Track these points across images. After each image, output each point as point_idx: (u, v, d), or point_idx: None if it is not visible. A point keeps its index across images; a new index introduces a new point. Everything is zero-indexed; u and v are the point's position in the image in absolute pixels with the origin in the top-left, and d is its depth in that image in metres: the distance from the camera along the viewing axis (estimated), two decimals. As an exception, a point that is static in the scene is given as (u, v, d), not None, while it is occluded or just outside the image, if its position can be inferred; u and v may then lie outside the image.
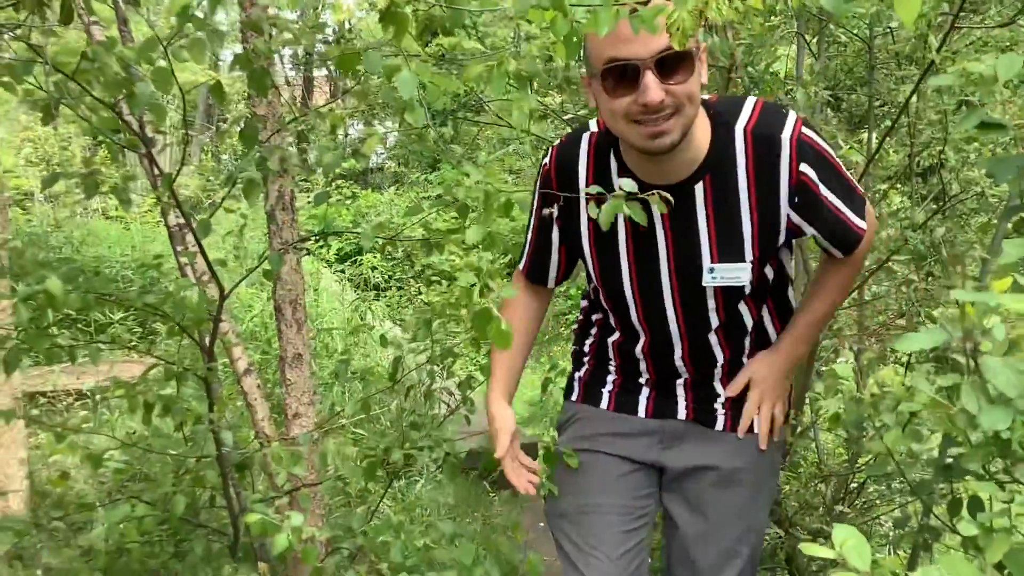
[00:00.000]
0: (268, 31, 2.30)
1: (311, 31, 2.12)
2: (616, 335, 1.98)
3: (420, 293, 10.09)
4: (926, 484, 1.68)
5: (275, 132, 2.26)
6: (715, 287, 1.80)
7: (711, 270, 1.78)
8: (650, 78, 1.56)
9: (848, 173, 1.82)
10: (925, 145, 2.25)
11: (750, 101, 1.76)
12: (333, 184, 12.51)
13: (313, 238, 3.39)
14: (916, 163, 2.38)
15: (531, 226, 2.03)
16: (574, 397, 2.09)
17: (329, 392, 4.80)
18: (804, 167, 1.71)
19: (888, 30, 2.87)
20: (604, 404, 2.03)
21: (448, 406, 3.33)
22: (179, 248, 2.79)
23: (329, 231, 9.52)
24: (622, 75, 1.58)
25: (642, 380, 1.98)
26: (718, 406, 1.95)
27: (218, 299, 2.22)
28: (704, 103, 1.74)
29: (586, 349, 2.08)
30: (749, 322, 1.89)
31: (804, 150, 1.71)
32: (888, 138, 2.26)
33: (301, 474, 2.42)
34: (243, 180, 2.04)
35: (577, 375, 2.10)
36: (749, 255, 1.78)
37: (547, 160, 1.93)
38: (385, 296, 9.69)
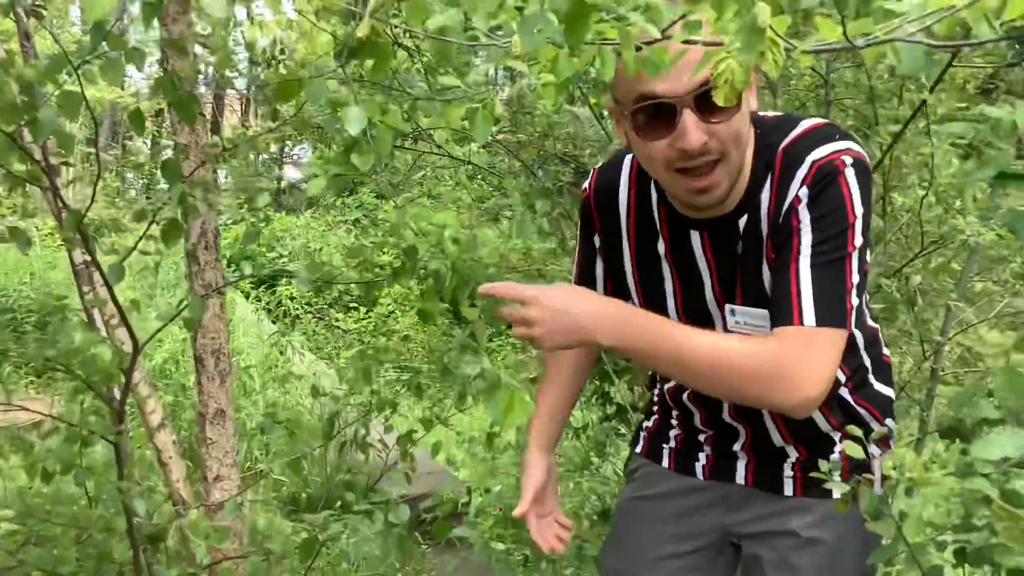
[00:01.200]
0: (192, 51, 2.06)
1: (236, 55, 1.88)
2: (670, 381, 1.75)
3: (338, 321, 9.78)
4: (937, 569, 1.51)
5: (200, 164, 2.01)
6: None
7: (732, 312, 1.53)
8: (689, 118, 1.32)
9: (854, 267, 1.37)
10: (907, 188, 2.13)
11: (807, 121, 1.46)
12: (244, 207, 12.01)
13: (240, 279, 3.11)
14: (890, 207, 2.26)
15: (576, 257, 1.79)
16: (639, 449, 1.87)
17: (246, 439, 4.49)
18: (802, 192, 1.38)
19: (849, 62, 2.75)
20: (665, 462, 1.80)
21: (382, 458, 3.09)
22: (86, 288, 2.50)
23: (260, 270, 9.15)
24: (655, 114, 1.34)
25: (702, 437, 1.74)
26: (787, 467, 1.63)
27: (131, 352, 1.95)
28: (757, 121, 1.48)
29: (654, 398, 1.85)
30: None
31: (820, 175, 1.37)
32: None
33: (223, 547, 2.16)
34: (162, 221, 1.79)
35: (645, 424, 1.88)
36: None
37: (587, 184, 1.70)
38: (301, 323, 9.34)
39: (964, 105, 1.99)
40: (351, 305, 10.18)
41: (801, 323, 1.33)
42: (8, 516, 2.11)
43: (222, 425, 2.31)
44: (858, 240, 1.35)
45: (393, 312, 10.33)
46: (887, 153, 1.97)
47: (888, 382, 1.67)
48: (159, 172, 2.02)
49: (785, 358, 1.33)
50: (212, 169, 2.28)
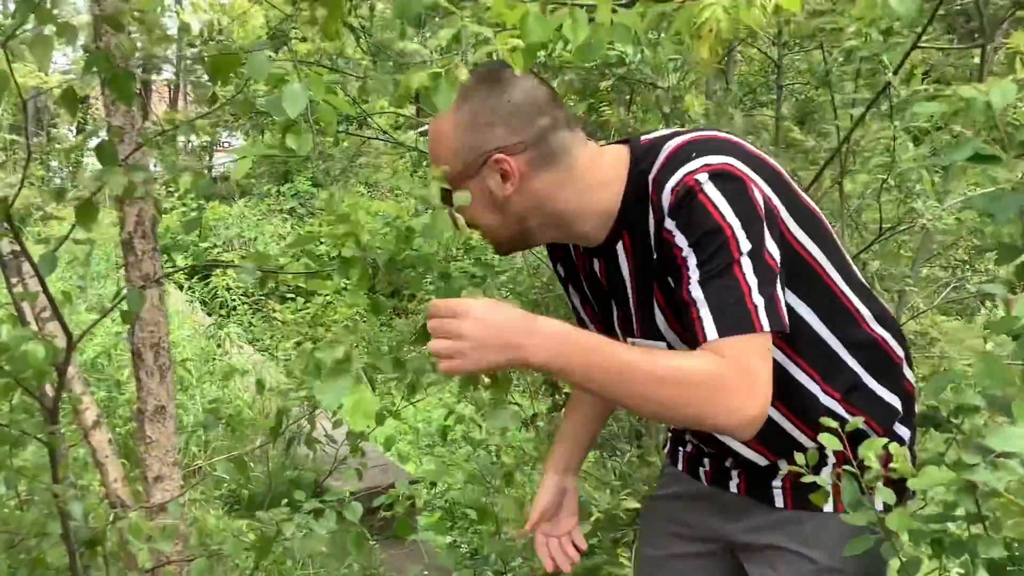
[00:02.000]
0: (128, 27, 1.94)
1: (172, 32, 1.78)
2: None
3: (276, 312, 9.57)
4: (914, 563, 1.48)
5: (137, 148, 1.90)
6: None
7: (633, 344, 1.52)
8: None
9: (747, 270, 1.32)
10: (868, 173, 2.11)
11: (671, 144, 1.43)
12: (174, 195, 11.83)
13: (177, 271, 2.99)
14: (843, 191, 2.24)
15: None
16: (665, 449, 1.89)
17: (184, 435, 4.34)
18: (669, 223, 1.36)
19: (799, 47, 2.73)
20: (680, 465, 1.79)
21: (329, 453, 3.00)
22: (14, 280, 2.36)
23: (198, 259, 8.91)
24: None
25: (703, 445, 1.70)
26: (776, 480, 1.57)
27: (64, 347, 1.83)
28: (632, 145, 1.49)
29: None
30: None
31: (679, 200, 1.34)
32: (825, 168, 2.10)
33: (166, 550, 2.05)
34: (75, 200, 1.67)
35: (671, 426, 1.87)
36: (664, 327, 1.49)
37: None
38: (237, 314, 9.11)
39: (923, 88, 1.98)
40: (288, 296, 9.98)
41: (706, 340, 1.29)
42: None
43: (162, 423, 2.20)
44: (744, 245, 1.31)
45: (331, 303, 10.16)
46: (847, 138, 1.94)
47: (895, 386, 1.57)
48: (85, 159, 1.91)
49: (706, 378, 1.28)
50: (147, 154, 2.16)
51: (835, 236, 1.55)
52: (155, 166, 1.93)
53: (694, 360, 1.30)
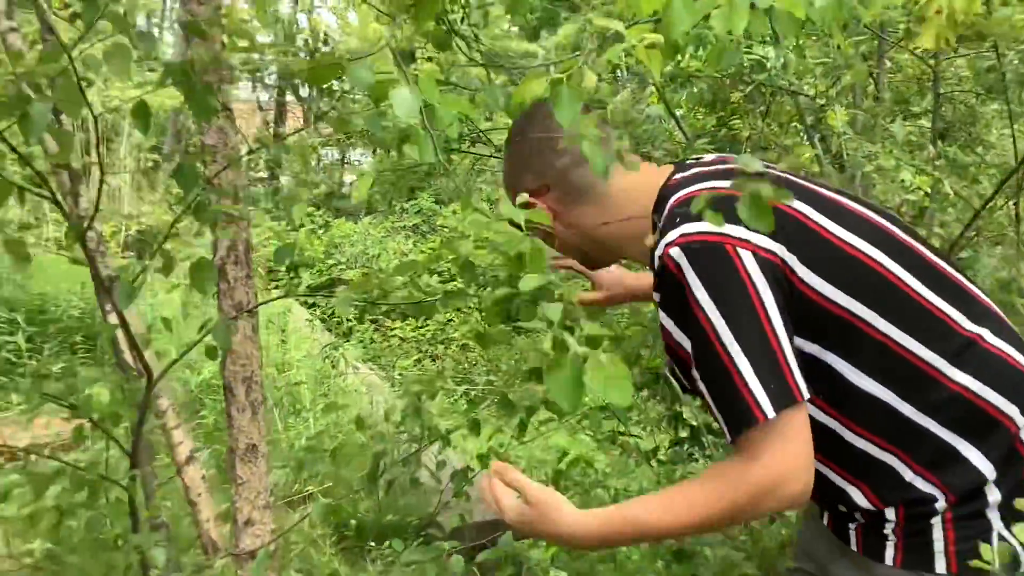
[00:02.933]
0: (220, 37, 1.80)
1: (283, 43, 1.62)
2: None
3: (395, 330, 9.53)
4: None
5: (224, 167, 1.74)
6: None
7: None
8: None
9: (739, 363, 1.26)
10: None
11: (676, 195, 1.40)
12: (315, 211, 12.01)
13: (276, 299, 2.87)
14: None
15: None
16: None
17: (296, 459, 4.23)
18: (655, 295, 1.40)
19: (958, 50, 2.40)
20: None
21: (435, 488, 2.82)
22: (107, 308, 2.26)
23: (317, 278, 8.94)
24: None
25: None
26: (851, 524, 1.45)
27: (145, 386, 1.69)
28: (668, 179, 1.47)
29: None
30: None
31: (658, 277, 1.36)
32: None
33: (253, 604, 1.88)
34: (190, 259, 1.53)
35: None
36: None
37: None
38: (358, 332, 9.09)
39: None
40: (408, 313, 9.92)
41: (730, 438, 1.29)
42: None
43: (254, 462, 2.05)
44: (726, 338, 1.26)
45: (451, 320, 10.07)
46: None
47: (987, 444, 1.35)
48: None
49: (739, 491, 1.27)
50: (251, 180, 2.02)
51: (902, 279, 1.36)
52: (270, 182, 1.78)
53: (721, 479, 1.29)
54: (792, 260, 1.30)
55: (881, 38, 2.71)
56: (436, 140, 1.21)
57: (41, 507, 1.74)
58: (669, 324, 1.36)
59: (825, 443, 1.36)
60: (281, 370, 5.31)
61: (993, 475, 1.34)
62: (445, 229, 11.83)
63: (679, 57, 2.76)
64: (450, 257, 1.96)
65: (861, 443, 1.37)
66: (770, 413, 1.24)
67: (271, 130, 12.63)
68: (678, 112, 3.60)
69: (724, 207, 1.22)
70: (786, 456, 1.26)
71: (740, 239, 1.27)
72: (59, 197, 1.59)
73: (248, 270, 2.01)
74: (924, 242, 1.45)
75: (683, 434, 3.73)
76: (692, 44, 1.74)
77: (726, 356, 1.25)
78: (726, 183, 1.32)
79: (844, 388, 1.35)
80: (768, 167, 1.38)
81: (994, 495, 1.34)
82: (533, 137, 1.50)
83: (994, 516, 1.33)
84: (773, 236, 1.28)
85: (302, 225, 10.47)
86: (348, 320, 8.86)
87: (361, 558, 3.81)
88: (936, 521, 1.33)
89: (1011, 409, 1.35)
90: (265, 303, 1.57)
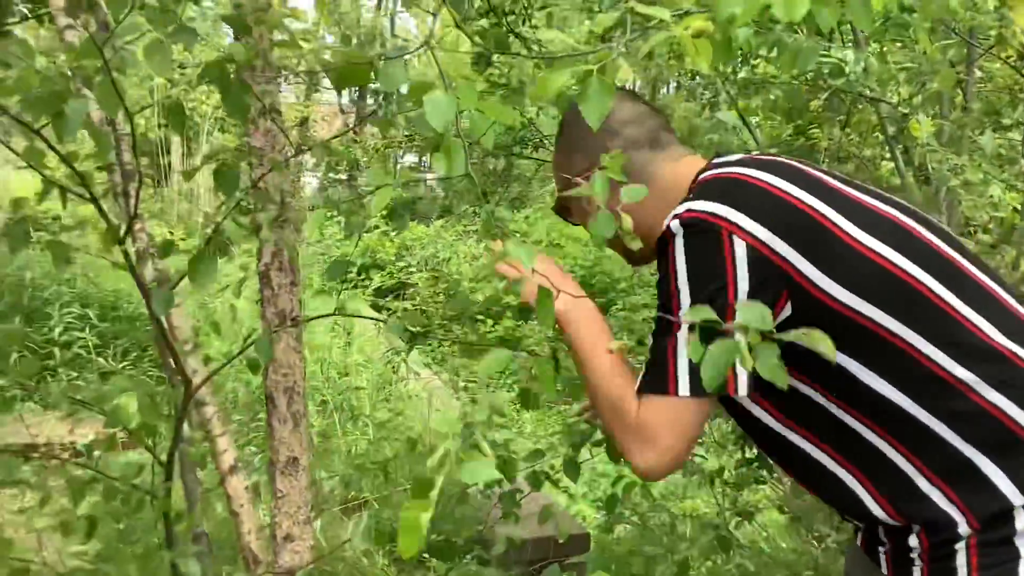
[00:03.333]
0: (267, 33, 1.74)
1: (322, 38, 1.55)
2: None
3: (462, 329, 9.48)
4: None
5: (269, 171, 1.68)
6: None
7: None
8: None
9: (680, 337, 1.28)
10: None
11: (705, 174, 1.43)
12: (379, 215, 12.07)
13: (322, 317, 2.81)
14: None
15: None
16: None
17: (351, 466, 4.18)
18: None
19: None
20: None
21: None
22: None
23: (386, 280, 8.92)
24: None
25: None
26: (881, 547, 1.41)
27: (183, 395, 1.63)
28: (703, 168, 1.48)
29: None
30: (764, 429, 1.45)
31: (660, 242, 1.35)
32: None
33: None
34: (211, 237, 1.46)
35: None
36: None
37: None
38: (428, 337, 9.05)
39: None
40: (478, 317, 9.89)
41: (636, 389, 1.34)
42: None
43: (295, 476, 1.98)
44: (685, 306, 1.27)
45: (520, 324, 9.99)
46: None
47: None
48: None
49: (621, 421, 1.35)
50: (295, 181, 1.95)
51: (926, 285, 1.31)
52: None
53: (626, 401, 1.34)
54: (798, 260, 1.27)
55: (971, 44, 2.54)
56: (470, 149, 1.13)
57: (73, 515, 1.70)
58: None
59: (842, 441, 1.35)
60: (343, 374, 5.28)
61: (1020, 500, 1.27)
62: (516, 234, 11.78)
63: (748, 59, 2.62)
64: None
65: (876, 440, 1.33)
66: (682, 392, 1.27)
67: (350, 133, 12.71)
68: (753, 120, 3.45)
69: (736, 192, 1.31)
70: (660, 438, 1.30)
71: (739, 226, 1.26)
72: (97, 197, 1.54)
73: (293, 277, 1.94)
74: (962, 250, 1.39)
75: (750, 455, 3.58)
76: (764, 47, 1.62)
77: (675, 325, 1.28)
78: (754, 171, 1.36)
79: (856, 388, 1.32)
80: (786, 160, 1.43)
81: (1023, 522, 1.27)
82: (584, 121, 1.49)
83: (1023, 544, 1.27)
84: (781, 234, 1.27)
85: (369, 230, 10.51)
86: (413, 332, 8.84)
87: (417, 569, 3.74)
88: (960, 547, 1.28)
89: None
90: (312, 318, 1.49)
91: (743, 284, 1.25)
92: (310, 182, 16.22)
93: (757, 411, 1.42)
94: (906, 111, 1.96)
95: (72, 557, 2.35)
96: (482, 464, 1.23)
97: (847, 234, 1.30)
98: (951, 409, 1.28)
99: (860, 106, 2.37)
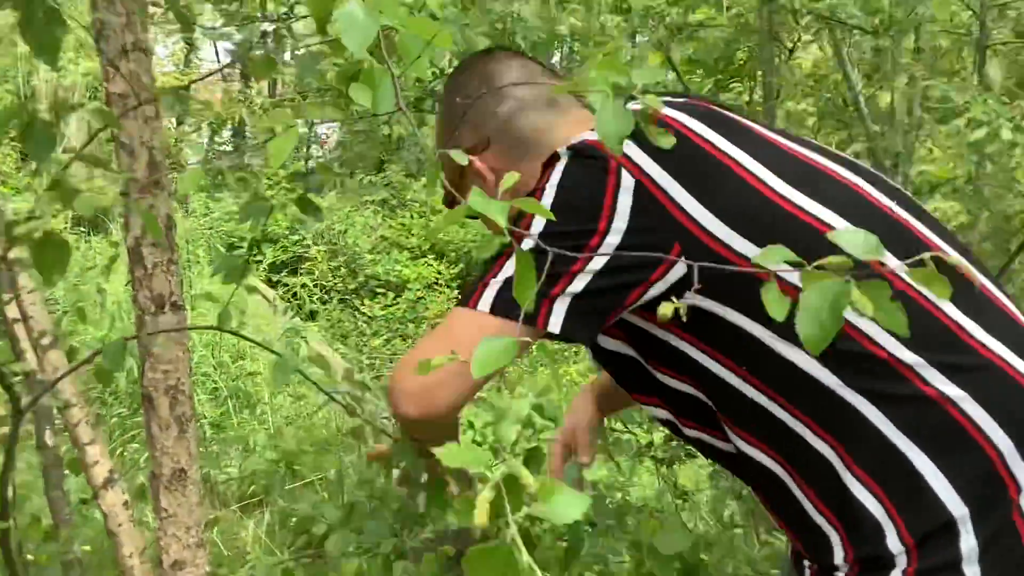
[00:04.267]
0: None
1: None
2: None
3: (364, 307, 9.11)
4: None
5: (136, 105, 1.33)
6: None
7: None
8: None
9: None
10: None
11: None
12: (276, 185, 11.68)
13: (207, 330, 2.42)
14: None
15: None
16: None
17: (249, 458, 3.82)
18: None
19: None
20: None
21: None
22: (6, 296, 1.85)
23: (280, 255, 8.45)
24: None
25: None
26: (807, 562, 1.19)
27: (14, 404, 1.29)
28: None
29: None
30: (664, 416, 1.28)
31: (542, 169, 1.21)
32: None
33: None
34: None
35: None
36: None
37: None
38: (325, 312, 8.66)
39: None
40: (378, 291, 9.55)
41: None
42: None
43: (182, 491, 1.65)
44: (534, 229, 1.10)
45: (422, 298, 9.70)
46: None
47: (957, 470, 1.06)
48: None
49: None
50: (170, 137, 1.62)
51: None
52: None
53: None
54: (696, 208, 1.10)
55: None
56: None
57: None
58: None
59: (756, 422, 1.15)
60: (236, 358, 4.88)
61: (962, 511, 1.05)
62: (415, 204, 11.47)
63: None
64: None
65: (792, 422, 1.12)
66: (482, 306, 1.11)
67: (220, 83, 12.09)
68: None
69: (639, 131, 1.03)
70: (438, 340, 1.17)
71: (632, 160, 1.11)
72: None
73: (172, 254, 1.61)
74: (919, 213, 1.20)
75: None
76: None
77: (522, 244, 1.06)
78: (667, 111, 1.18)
79: (759, 353, 1.12)
80: (704, 104, 1.26)
81: (969, 544, 1.05)
82: (468, 86, 1.32)
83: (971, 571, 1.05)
84: (680, 176, 1.11)
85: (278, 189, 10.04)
86: (313, 301, 8.45)
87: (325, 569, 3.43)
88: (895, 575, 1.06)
89: (998, 435, 1.05)
90: (194, 329, 1.18)
91: (619, 222, 1.10)
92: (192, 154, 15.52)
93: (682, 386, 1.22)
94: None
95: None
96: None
97: (755, 177, 1.14)
98: (881, 390, 1.07)
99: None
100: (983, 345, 1.08)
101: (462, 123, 1.32)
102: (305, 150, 16.49)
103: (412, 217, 11.52)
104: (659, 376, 1.23)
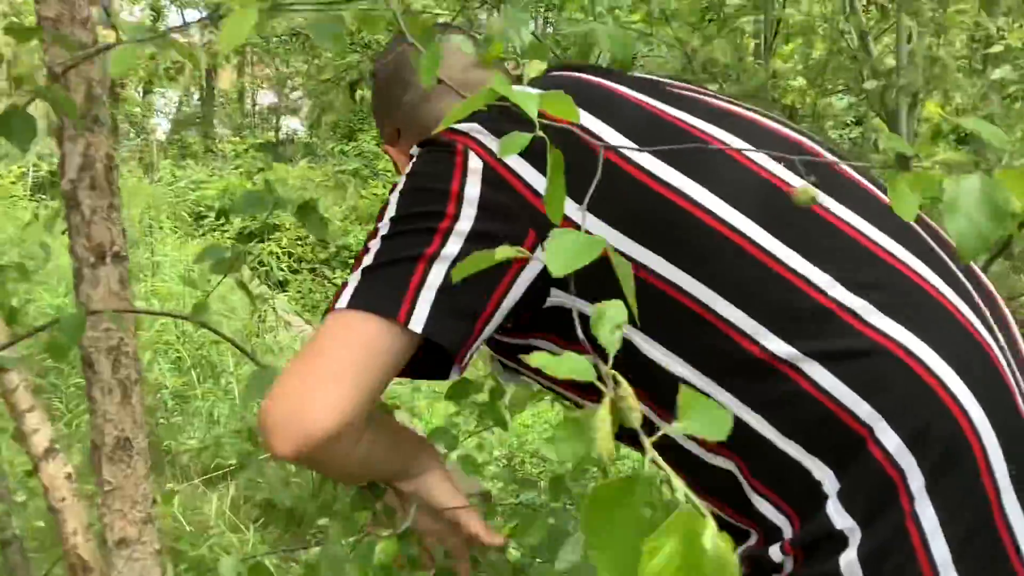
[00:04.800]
0: None
1: None
2: None
3: (335, 277, 8.94)
4: None
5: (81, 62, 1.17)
6: None
7: None
8: None
9: (373, 251, 1.03)
10: None
11: None
12: (244, 153, 11.55)
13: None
14: None
15: None
16: None
17: (215, 432, 3.66)
18: None
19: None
20: None
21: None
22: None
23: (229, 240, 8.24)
24: None
25: None
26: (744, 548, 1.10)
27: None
28: None
29: None
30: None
31: None
32: None
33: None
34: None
35: None
36: None
37: None
38: (295, 282, 8.48)
39: None
40: (349, 261, 9.38)
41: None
42: None
43: (127, 462, 1.50)
44: (383, 227, 1.04)
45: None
46: None
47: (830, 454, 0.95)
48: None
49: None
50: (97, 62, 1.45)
51: (743, 230, 0.98)
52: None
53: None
54: (543, 184, 1.01)
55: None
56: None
57: None
58: None
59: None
60: (197, 329, 4.71)
61: (848, 523, 0.93)
62: (388, 175, 11.30)
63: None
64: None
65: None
66: (340, 304, 1.00)
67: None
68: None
69: (495, 109, 0.91)
70: (324, 357, 0.99)
71: (478, 142, 1.03)
72: None
73: (113, 199, 1.45)
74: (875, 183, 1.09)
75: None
76: None
77: (377, 238, 1.03)
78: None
79: (639, 360, 1.00)
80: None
81: (851, 555, 0.92)
82: (380, 73, 1.28)
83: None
84: (534, 159, 1.00)
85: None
86: (282, 269, 8.26)
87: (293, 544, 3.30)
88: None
89: (863, 410, 0.93)
90: (151, 314, 1.04)
91: (468, 208, 1.01)
92: (160, 123, 15.19)
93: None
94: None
95: None
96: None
97: (630, 162, 1.01)
98: (762, 395, 0.96)
99: None
100: (855, 315, 0.96)
101: (375, 113, 1.32)
102: (276, 120, 16.25)
103: (385, 188, 11.38)
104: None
